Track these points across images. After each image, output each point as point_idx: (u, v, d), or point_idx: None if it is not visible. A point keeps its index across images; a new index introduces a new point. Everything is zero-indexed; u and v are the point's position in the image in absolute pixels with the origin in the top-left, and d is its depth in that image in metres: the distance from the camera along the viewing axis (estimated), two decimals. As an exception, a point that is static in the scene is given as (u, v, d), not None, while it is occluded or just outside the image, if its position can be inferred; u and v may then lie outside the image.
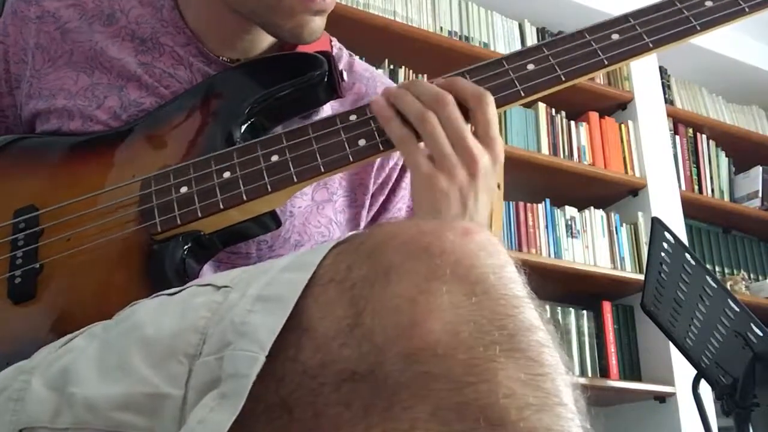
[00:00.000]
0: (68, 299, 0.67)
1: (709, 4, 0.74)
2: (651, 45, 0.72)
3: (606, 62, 0.72)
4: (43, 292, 0.67)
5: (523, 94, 0.71)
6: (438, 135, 0.68)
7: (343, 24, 2.36)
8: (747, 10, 0.74)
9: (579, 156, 2.68)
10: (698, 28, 0.73)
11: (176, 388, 0.44)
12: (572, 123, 2.73)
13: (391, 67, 2.50)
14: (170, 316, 0.49)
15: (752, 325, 1.21)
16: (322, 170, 0.69)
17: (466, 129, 0.68)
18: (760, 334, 1.20)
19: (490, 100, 0.69)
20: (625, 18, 0.74)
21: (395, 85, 0.96)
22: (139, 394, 0.45)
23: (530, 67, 0.72)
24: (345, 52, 0.93)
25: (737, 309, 1.22)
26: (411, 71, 2.52)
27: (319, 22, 0.79)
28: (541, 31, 2.86)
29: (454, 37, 2.63)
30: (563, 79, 0.71)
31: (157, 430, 0.44)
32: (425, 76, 2.54)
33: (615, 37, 0.73)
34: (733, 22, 0.74)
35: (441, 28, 2.63)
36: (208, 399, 0.42)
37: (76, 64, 0.82)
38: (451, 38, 2.61)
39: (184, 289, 0.54)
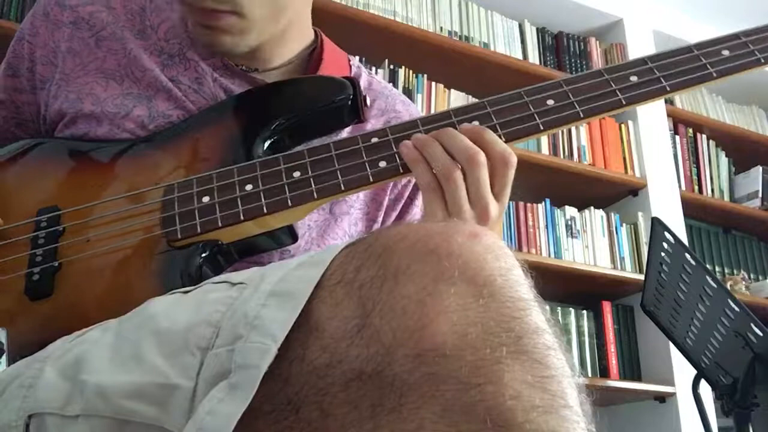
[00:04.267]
0: (84, 299, 0.68)
1: (725, 53, 0.76)
2: (668, 89, 0.74)
3: (624, 102, 0.74)
4: (60, 290, 0.68)
5: (542, 128, 0.73)
6: (460, 195, 0.69)
7: (343, 24, 2.36)
8: (762, 60, 0.76)
9: (579, 156, 2.68)
10: (714, 75, 0.75)
11: (187, 380, 0.45)
12: (572, 123, 2.73)
13: (391, 67, 2.50)
14: (185, 309, 0.50)
15: (752, 325, 1.21)
16: (342, 189, 0.71)
17: (489, 189, 0.70)
18: (760, 334, 1.20)
19: (514, 163, 0.71)
20: (642, 61, 0.76)
21: (417, 110, 0.98)
22: (151, 383, 0.46)
23: (550, 102, 0.74)
24: (363, 71, 0.95)
25: (737, 309, 1.22)
26: (411, 71, 2.52)
27: (229, 41, 0.80)
28: (541, 31, 2.86)
29: (454, 37, 2.63)
30: (581, 116, 0.73)
31: (166, 420, 0.44)
32: (425, 76, 2.54)
33: (633, 79, 0.75)
34: (749, 70, 0.76)
35: (441, 28, 2.63)
36: (217, 390, 0.42)
37: (108, 71, 0.83)
38: (451, 38, 2.61)
39: (198, 287, 0.54)
